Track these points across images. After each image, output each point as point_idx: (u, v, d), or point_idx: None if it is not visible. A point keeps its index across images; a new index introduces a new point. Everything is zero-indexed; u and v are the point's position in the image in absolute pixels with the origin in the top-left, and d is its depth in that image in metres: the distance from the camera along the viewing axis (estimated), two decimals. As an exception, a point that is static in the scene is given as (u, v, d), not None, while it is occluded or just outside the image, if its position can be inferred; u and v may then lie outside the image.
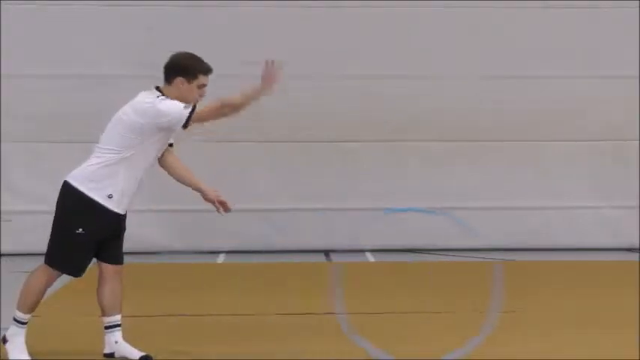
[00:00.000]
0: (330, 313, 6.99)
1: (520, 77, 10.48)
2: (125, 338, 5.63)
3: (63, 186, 5.51)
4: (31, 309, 5.58)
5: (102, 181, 5.39)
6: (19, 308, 5.57)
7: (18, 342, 5.53)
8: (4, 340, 5.58)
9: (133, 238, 10.35)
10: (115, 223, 5.52)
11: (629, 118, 10.58)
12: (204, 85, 5.58)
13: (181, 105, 5.38)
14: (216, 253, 10.31)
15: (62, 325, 6.74)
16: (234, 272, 9.28)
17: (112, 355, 5.62)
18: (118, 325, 5.62)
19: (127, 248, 9.78)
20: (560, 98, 10.51)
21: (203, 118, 5.48)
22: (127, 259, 9.45)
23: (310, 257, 10.14)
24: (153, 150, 5.46)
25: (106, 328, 5.63)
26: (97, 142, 5.59)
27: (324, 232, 10.48)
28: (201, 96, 5.57)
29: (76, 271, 5.58)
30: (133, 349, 5.61)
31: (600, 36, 10.50)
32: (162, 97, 5.44)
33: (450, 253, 10.40)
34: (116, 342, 5.62)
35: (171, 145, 5.67)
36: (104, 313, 5.64)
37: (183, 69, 5.56)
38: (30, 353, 5.58)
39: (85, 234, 5.41)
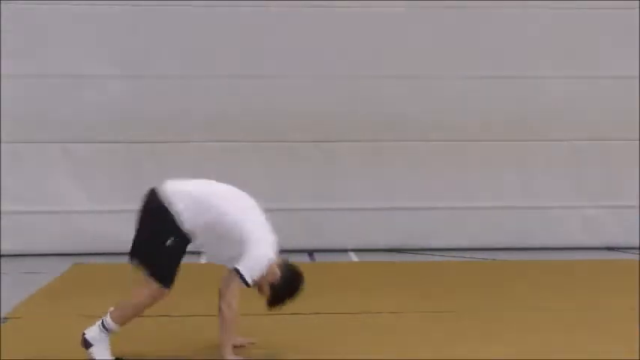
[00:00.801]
0: (316, 313, 6.96)
1: (510, 77, 10.45)
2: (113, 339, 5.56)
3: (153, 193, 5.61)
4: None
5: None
6: (117, 321, 5.49)
7: (104, 348, 5.46)
8: (87, 344, 5.46)
9: (118, 239, 10.36)
10: None
11: (615, 118, 10.58)
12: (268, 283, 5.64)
13: (258, 268, 5.47)
14: (200, 253, 10.21)
15: (43, 327, 6.64)
16: (218, 272, 9.15)
17: (89, 345, 5.48)
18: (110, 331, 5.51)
19: (111, 249, 9.88)
20: (550, 98, 10.49)
21: (227, 285, 5.57)
22: (111, 259, 9.51)
23: (294, 257, 10.03)
24: (213, 234, 5.58)
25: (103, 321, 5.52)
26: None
27: (310, 232, 10.41)
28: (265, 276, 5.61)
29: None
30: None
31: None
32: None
33: (436, 253, 10.37)
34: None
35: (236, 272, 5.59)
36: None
37: (290, 289, 5.68)
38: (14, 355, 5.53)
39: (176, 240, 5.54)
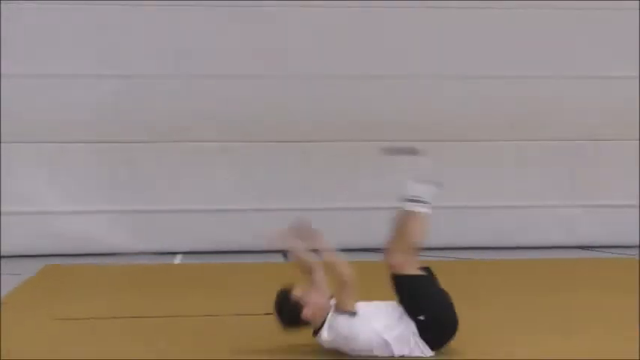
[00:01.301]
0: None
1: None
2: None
3: None
4: None
5: None
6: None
7: None
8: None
9: (88, 239, 10.26)
10: None
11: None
12: None
13: (339, 330, 5.85)
14: (174, 254, 10.14)
15: (13, 329, 6.54)
16: (192, 273, 9.07)
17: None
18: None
19: (86, 250, 9.80)
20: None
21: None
22: (84, 260, 9.41)
23: (270, 258, 9.94)
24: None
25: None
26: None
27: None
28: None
29: None
30: None
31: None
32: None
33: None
34: None
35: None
36: None
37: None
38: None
39: None
